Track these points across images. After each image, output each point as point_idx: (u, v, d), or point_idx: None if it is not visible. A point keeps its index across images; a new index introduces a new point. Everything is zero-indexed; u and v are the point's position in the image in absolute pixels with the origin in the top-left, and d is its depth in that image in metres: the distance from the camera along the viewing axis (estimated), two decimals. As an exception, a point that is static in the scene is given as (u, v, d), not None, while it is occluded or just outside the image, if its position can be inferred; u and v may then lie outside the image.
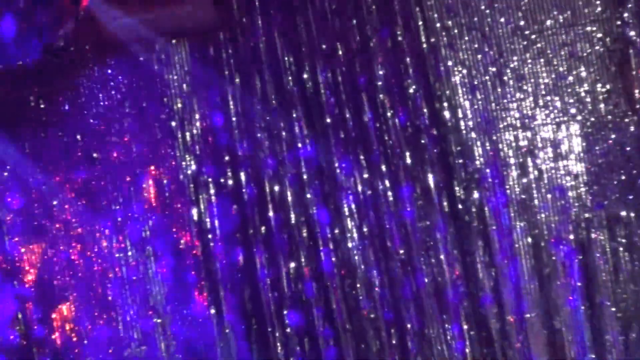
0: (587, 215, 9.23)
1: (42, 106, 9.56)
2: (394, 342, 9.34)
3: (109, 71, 9.63)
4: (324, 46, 9.40)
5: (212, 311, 9.49)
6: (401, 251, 9.35)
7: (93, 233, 9.59)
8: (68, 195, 9.61)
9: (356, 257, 9.38)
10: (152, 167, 9.58)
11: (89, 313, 9.57)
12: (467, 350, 9.27)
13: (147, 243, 9.57)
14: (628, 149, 9.19)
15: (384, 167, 9.38)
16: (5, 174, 9.78)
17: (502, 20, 9.21)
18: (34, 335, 9.60)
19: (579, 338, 9.21)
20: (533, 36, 9.24)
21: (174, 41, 9.52)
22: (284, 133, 9.46)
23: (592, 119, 9.23)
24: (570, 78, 9.21)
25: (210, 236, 9.50)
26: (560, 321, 9.21)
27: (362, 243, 9.41)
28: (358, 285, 9.40)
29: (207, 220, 9.51)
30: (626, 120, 9.15)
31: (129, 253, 9.57)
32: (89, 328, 9.53)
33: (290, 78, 9.45)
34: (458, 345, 9.33)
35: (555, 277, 9.25)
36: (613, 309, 9.13)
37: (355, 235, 9.40)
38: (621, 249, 9.12)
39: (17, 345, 9.56)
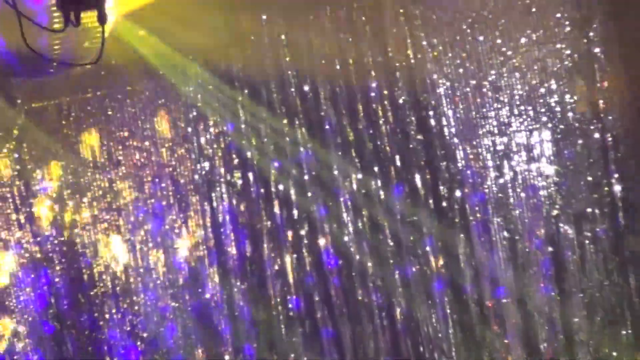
0: (556, 212, 9.56)
1: (73, 113, 9.89)
2: (385, 324, 9.73)
3: (130, 87, 9.96)
4: (322, 61, 9.73)
5: (225, 296, 9.87)
6: (391, 243, 9.73)
7: (118, 227, 9.98)
8: (95, 193, 9.95)
9: (352, 249, 9.75)
10: (170, 169, 9.96)
11: (116, 298, 9.96)
12: (450, 332, 9.62)
13: (166, 236, 9.95)
14: (593, 153, 9.50)
15: (376, 169, 9.74)
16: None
17: (482, 38, 9.56)
18: (65, 320, 9.90)
19: (549, 321, 9.53)
20: (509, 53, 9.57)
21: (190, 57, 9.85)
22: (287, 138, 9.81)
23: (562, 127, 9.58)
24: (542, 90, 9.56)
25: (222, 229, 9.86)
26: (534, 306, 9.54)
27: (357, 236, 9.78)
28: (353, 274, 9.78)
29: (219, 215, 9.88)
30: (591, 127, 9.48)
31: (150, 244, 9.95)
32: (114, 312, 9.87)
33: (293, 90, 9.77)
34: (443, 328, 9.71)
35: (528, 266, 9.60)
36: (580, 295, 9.48)
37: (350, 229, 9.76)
38: (587, 242, 9.47)
39: (52, 328, 9.83)
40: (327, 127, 9.83)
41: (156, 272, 10.03)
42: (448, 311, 9.77)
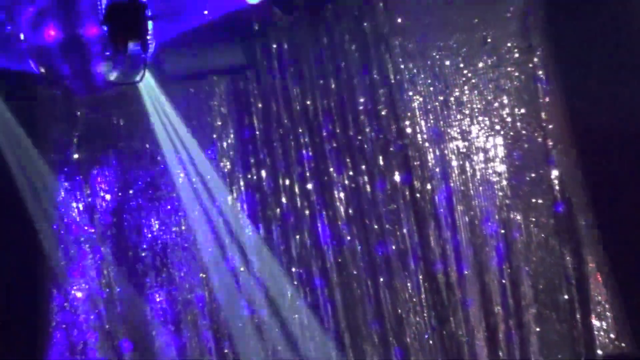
0: (507, 201, 9.75)
1: (121, 123, 10.09)
2: (371, 291, 9.87)
3: (168, 98, 9.93)
4: (320, 81, 9.91)
5: (242, 269, 9.98)
6: (375, 227, 9.90)
7: (157, 214, 10.10)
8: (138, 187, 10.08)
9: (344, 231, 9.92)
10: (203, 168, 10.05)
11: (155, 269, 10.07)
12: (423, 297, 9.76)
13: (194, 221, 10.04)
14: (537, 154, 9.74)
15: (363, 167, 9.90)
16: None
17: (447, 63, 9.78)
18: (114, 287, 10.05)
19: (502, 289, 9.71)
20: (469, 74, 9.79)
21: (215, 77, 9.99)
22: (292, 143, 9.98)
23: (512, 133, 9.77)
24: (496, 104, 9.78)
25: (240, 216, 9.98)
26: (489, 277, 9.74)
27: (348, 221, 9.93)
28: (345, 251, 9.92)
29: (238, 204, 9.99)
30: (535, 134, 9.71)
31: (182, 228, 10.07)
32: (154, 282, 10.02)
33: (297, 104, 9.95)
34: (416, 293, 9.82)
35: (485, 245, 9.77)
36: (526, 269, 9.70)
37: (343, 215, 9.93)
38: (532, 225, 9.69)
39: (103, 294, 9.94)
40: (324, 133, 9.96)
41: (188, 250, 10.07)
42: (421, 281, 9.85)
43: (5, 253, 9.63)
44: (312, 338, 10.03)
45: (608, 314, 9.64)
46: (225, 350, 10.06)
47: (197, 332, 10.06)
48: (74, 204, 10.14)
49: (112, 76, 8.02)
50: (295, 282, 10.04)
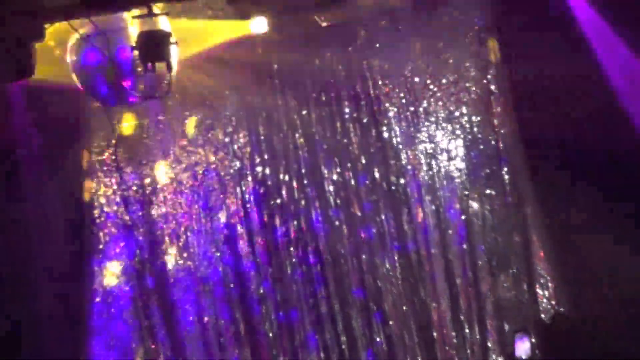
0: (466, 192, 9.93)
1: (151, 128, 10.00)
2: (355, 266, 9.97)
3: (188, 112, 10.00)
4: (313, 94, 9.93)
5: (249, 249, 9.97)
6: (359, 214, 10.00)
7: (181, 205, 10.00)
8: (166, 180, 10.05)
9: (333, 217, 9.99)
10: (218, 166, 10.06)
11: (178, 250, 10.01)
12: (398, 271, 9.95)
13: (212, 210, 10.02)
14: (490, 154, 9.95)
15: (349, 165, 9.98)
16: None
17: (417, 79, 9.89)
18: (146, 265, 9.98)
19: (462, 264, 9.94)
20: (435, 89, 9.89)
21: (227, 92, 9.92)
22: (290, 145, 9.99)
23: (470, 137, 9.95)
24: (457, 113, 9.95)
25: (248, 205, 9.95)
26: (452, 254, 9.95)
27: (337, 209, 10.00)
28: (334, 234, 9.98)
29: (247, 195, 9.96)
30: (489, 138, 9.92)
31: (201, 214, 10.01)
32: (178, 260, 9.98)
33: (294, 113, 9.98)
34: (392, 268, 9.99)
35: (448, 229, 9.95)
36: (482, 247, 9.91)
37: (332, 204, 10.00)
38: (487, 212, 9.89)
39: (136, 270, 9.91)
40: (317, 137, 9.98)
41: (205, 233, 10.02)
42: (396, 257, 10.01)
43: (59, 234, 9.54)
44: (307, 303, 10.03)
45: (550, 284, 9.83)
46: (237, 315, 9.99)
47: (213, 301, 9.99)
48: (112, 197, 10.06)
49: (141, 91, 7.96)
50: (294, 260, 10.03)
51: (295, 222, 10.06)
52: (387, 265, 10.00)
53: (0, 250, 9.08)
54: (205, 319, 10.01)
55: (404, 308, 9.96)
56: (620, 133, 8.86)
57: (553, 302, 9.71)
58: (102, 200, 10.02)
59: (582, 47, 9.06)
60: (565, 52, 9.20)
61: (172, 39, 7.11)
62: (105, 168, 10.05)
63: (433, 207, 9.98)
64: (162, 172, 10.19)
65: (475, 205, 9.94)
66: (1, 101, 9.01)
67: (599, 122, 9.06)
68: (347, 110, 10.03)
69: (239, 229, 10.09)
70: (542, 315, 9.72)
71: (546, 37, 9.13)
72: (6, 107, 9.13)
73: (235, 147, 10.12)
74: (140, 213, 10.10)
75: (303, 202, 10.07)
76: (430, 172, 10.02)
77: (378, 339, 9.94)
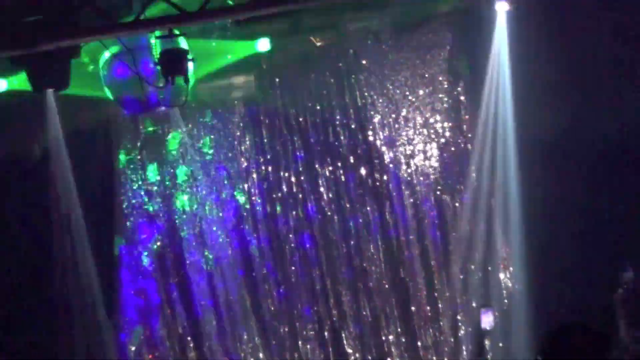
0: (439, 187, 9.95)
1: (169, 134, 10.07)
2: (344, 251, 9.99)
3: (202, 118, 10.06)
4: (309, 104, 9.95)
5: (254, 236, 10.00)
6: (348, 205, 10.01)
7: (197, 197, 10.06)
8: (183, 179, 10.05)
9: (326, 208, 10.01)
10: (228, 165, 10.09)
11: (195, 238, 10.05)
12: (381, 254, 9.95)
13: (222, 202, 10.08)
14: (460, 155, 9.97)
15: (339, 164, 10.02)
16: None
17: (398, 91, 9.92)
18: (166, 248, 10.03)
19: (436, 248, 9.93)
20: (413, 99, 9.94)
21: (235, 102, 9.95)
22: (290, 147, 10.01)
23: (442, 140, 9.96)
24: (432, 120, 9.98)
25: (253, 198, 10.02)
26: (427, 240, 9.95)
27: (329, 201, 10.03)
28: (327, 222, 10.02)
29: (252, 190, 10.03)
30: (459, 141, 9.95)
31: (213, 206, 10.06)
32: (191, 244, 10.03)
33: (292, 120, 10.01)
34: (376, 251, 10.00)
35: (424, 219, 9.94)
36: (453, 234, 9.93)
37: (325, 197, 10.03)
38: (457, 204, 9.91)
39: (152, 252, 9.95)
40: (312, 140, 10.03)
41: (217, 222, 10.10)
42: (379, 243, 10.03)
43: (96, 220, 9.81)
44: (304, 282, 10.05)
45: (511, 268, 9.81)
46: (243, 292, 10.04)
47: (224, 279, 10.05)
48: (138, 190, 10.15)
49: (163, 100, 8.02)
50: (293, 244, 10.08)
51: (293, 213, 10.07)
52: (372, 250, 10.02)
53: (49, 231, 9.40)
54: (217, 295, 10.05)
55: (386, 286, 9.93)
56: (568, 134, 8.95)
57: (512, 282, 9.69)
58: (129, 193, 10.12)
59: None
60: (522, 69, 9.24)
61: (189, 56, 7.15)
62: (132, 166, 10.15)
63: (411, 200, 9.96)
64: (180, 169, 10.23)
65: (447, 198, 9.92)
66: (40, 109, 9.09)
67: (553, 126, 9.04)
68: (337, 117, 10.04)
69: (245, 218, 10.15)
70: (503, 292, 9.74)
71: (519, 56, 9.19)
72: (45, 114, 9.20)
73: (243, 148, 10.18)
74: (161, 204, 10.16)
75: (300, 196, 10.07)
76: (409, 170, 10.01)
77: (364, 312, 9.94)
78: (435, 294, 9.91)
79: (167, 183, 10.22)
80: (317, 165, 10.09)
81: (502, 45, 9.18)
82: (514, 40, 9.09)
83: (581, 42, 8.76)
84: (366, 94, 9.98)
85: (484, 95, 9.64)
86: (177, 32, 6.97)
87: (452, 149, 9.92)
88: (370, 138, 10.05)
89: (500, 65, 9.38)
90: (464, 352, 9.67)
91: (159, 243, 10.16)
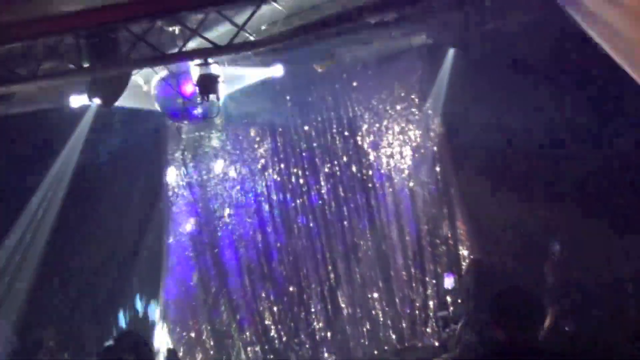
0: (412, 180, 9.81)
1: (207, 141, 10.09)
2: (339, 229, 9.94)
3: (229, 127, 9.97)
4: (312, 116, 9.87)
5: (270, 217, 10.04)
6: (342, 194, 9.97)
7: (225, 190, 10.05)
8: (215, 175, 9.91)
9: (325, 197, 10.01)
10: (250, 162, 10.10)
11: (225, 222, 10.09)
12: (367, 232, 9.82)
13: (245, 192, 10.08)
14: (427, 156, 9.78)
15: (335, 162, 9.95)
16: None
17: (380, 106, 9.81)
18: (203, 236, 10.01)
19: (410, 226, 9.74)
20: (393, 113, 9.86)
21: (255, 114, 9.90)
22: (297, 149, 10.04)
23: (414, 144, 9.81)
24: (406, 129, 9.84)
25: (270, 188, 10.08)
26: (403, 222, 9.78)
27: (327, 191, 10.03)
28: (326, 207, 10.02)
29: (268, 182, 10.09)
30: (427, 145, 9.77)
31: (239, 196, 10.10)
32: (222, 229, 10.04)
33: (300, 129, 9.99)
34: (364, 229, 9.92)
35: (400, 204, 9.84)
36: (423, 217, 9.74)
37: (324, 188, 10.03)
38: (426, 194, 9.72)
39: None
40: (314, 144, 10.01)
41: (241, 207, 10.13)
42: (366, 223, 9.94)
43: (147, 207, 9.87)
44: (308, 253, 10.03)
45: (467, 242, 9.67)
46: (261, 260, 9.99)
47: (246, 250, 10.08)
48: (180, 182, 10.18)
49: (199, 113, 7.96)
50: (299, 223, 10.08)
51: (299, 200, 10.06)
52: (360, 228, 9.94)
53: (109, 216, 9.32)
54: (241, 262, 10.10)
55: (372, 256, 9.87)
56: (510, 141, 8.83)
57: (468, 252, 9.56)
58: (174, 184, 10.15)
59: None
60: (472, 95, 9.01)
61: (220, 79, 7.12)
62: (176, 163, 10.18)
63: (390, 190, 9.87)
64: (213, 167, 10.24)
65: (418, 189, 9.80)
66: (108, 119, 9.11)
67: (506, 134, 8.88)
68: (334, 126, 9.99)
69: (263, 204, 10.11)
70: (462, 261, 9.60)
71: (467, 80, 9.03)
72: (111, 123, 9.27)
73: (262, 150, 10.14)
74: (199, 194, 10.18)
75: (305, 187, 10.03)
76: (389, 167, 9.91)
77: (354, 276, 9.91)
78: (409, 262, 9.79)
79: (204, 176, 10.21)
80: (318, 163, 10.03)
81: (445, 76, 9.31)
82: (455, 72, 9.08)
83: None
84: (356, 108, 9.91)
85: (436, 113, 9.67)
86: (210, 61, 6.98)
87: (422, 151, 9.80)
88: (359, 142, 9.98)
89: (440, 90, 9.47)
90: (431, 306, 9.65)
91: (196, 223, 10.18)
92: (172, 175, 10.02)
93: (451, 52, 8.97)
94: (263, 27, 6.55)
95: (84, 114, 8.65)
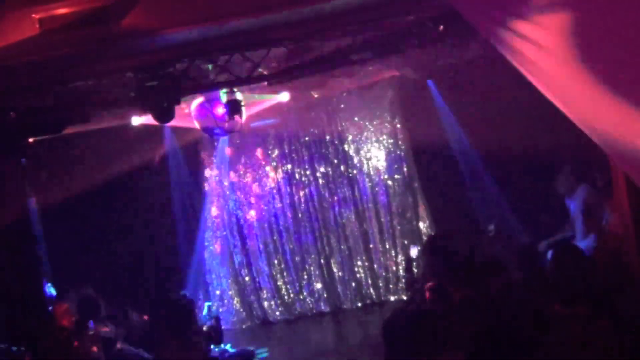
0: (386, 176, 9.67)
1: (233, 149, 9.87)
2: (332, 215, 9.72)
3: (249, 139, 9.76)
4: (310, 129, 9.71)
5: (281, 206, 9.86)
6: (333, 187, 9.79)
7: (247, 184, 9.80)
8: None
9: (321, 190, 9.86)
10: (264, 165, 9.86)
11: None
12: (353, 215, 9.67)
13: (263, 187, 9.81)
14: (397, 158, 9.64)
15: (329, 164, 9.79)
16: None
17: (362, 122, 9.63)
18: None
19: (384, 211, 9.58)
20: (371, 127, 9.68)
21: (268, 129, 9.70)
22: (300, 155, 9.85)
23: (388, 149, 9.61)
24: (381, 137, 9.65)
25: (279, 184, 9.89)
26: (379, 206, 9.54)
27: (323, 185, 9.88)
28: (322, 197, 9.85)
29: (278, 179, 9.88)
30: (397, 151, 9.61)
31: (259, 190, 9.88)
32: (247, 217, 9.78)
33: (302, 139, 9.74)
34: (350, 214, 9.78)
35: (378, 196, 9.68)
36: (393, 203, 9.61)
37: (321, 183, 9.84)
38: (396, 186, 9.60)
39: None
40: (312, 150, 9.80)
41: (261, 199, 9.93)
42: (352, 209, 9.74)
43: (188, 197, 9.73)
44: (310, 231, 9.80)
45: (427, 222, 9.60)
46: (274, 238, 9.88)
47: (264, 233, 9.87)
48: (216, 180, 9.99)
49: (228, 129, 7.77)
50: (302, 208, 9.90)
51: (302, 192, 9.82)
52: (347, 212, 9.74)
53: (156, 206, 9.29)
54: (258, 238, 9.93)
55: (356, 233, 9.71)
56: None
57: (430, 230, 9.42)
58: (210, 181, 10.07)
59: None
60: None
61: (242, 103, 7.19)
62: (211, 166, 10.06)
63: (370, 184, 9.70)
64: (238, 168, 10.12)
65: (390, 182, 9.69)
66: (158, 134, 9.10)
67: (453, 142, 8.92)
68: (327, 137, 9.74)
69: (276, 195, 9.88)
70: (423, 236, 9.56)
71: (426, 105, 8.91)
72: (163, 137, 9.27)
73: (274, 155, 9.89)
74: (228, 187, 10.03)
75: (306, 183, 9.81)
76: (368, 167, 9.74)
77: (342, 247, 9.75)
78: (385, 237, 9.61)
79: (231, 175, 10.11)
80: (315, 165, 9.79)
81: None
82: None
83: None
84: (343, 123, 9.70)
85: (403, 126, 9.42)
86: (235, 89, 7.01)
87: (392, 155, 9.65)
88: (346, 149, 9.79)
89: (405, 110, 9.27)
90: (400, 271, 9.53)
91: (230, 211, 10.05)
92: (208, 174, 9.92)
93: (413, 81, 9.01)
94: (273, 64, 6.59)
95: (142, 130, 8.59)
